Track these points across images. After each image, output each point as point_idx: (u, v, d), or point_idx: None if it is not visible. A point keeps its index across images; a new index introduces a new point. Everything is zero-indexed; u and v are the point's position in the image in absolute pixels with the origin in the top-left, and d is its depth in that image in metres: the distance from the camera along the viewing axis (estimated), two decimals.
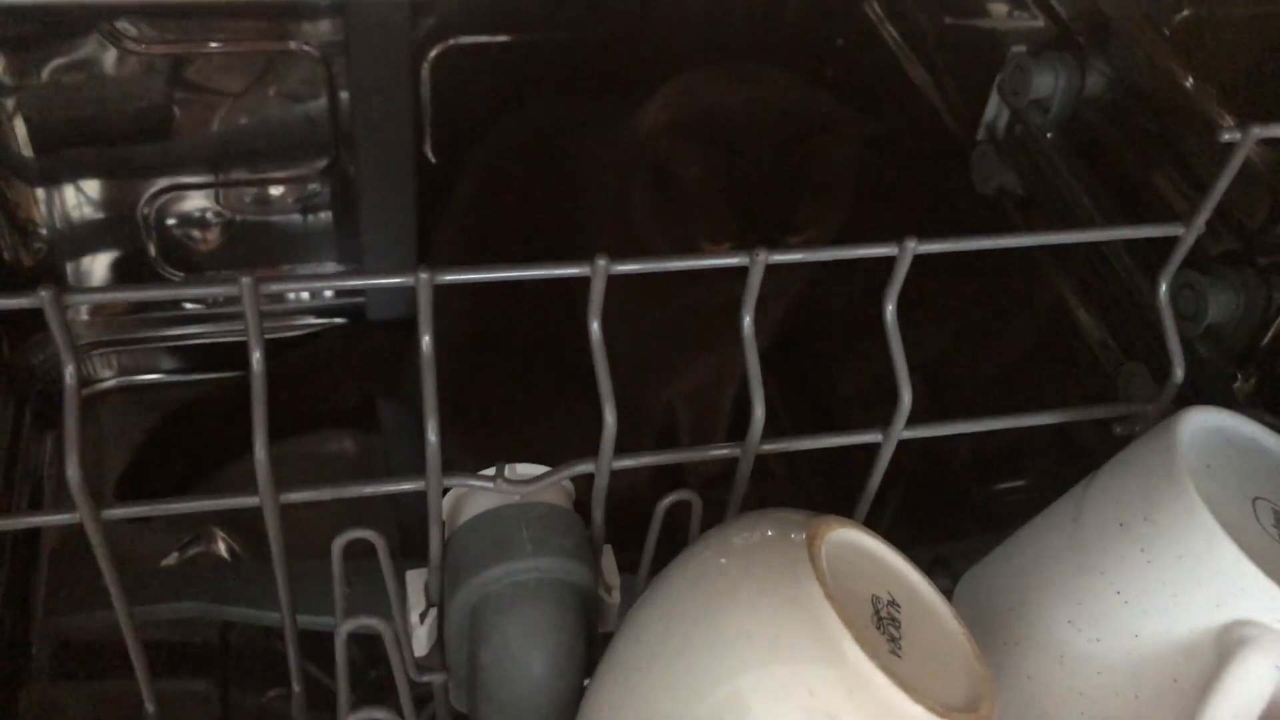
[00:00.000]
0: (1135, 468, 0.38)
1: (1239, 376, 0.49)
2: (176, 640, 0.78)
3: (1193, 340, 0.50)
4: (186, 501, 0.35)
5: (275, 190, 0.89)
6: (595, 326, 0.35)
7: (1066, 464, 0.62)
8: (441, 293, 0.77)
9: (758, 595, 0.33)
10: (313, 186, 0.89)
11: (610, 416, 0.35)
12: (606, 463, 0.36)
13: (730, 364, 0.76)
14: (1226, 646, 0.34)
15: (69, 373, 0.31)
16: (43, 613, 0.76)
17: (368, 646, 0.70)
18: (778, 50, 0.83)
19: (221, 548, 0.84)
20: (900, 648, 0.33)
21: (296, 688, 0.40)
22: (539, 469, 0.37)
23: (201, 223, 0.90)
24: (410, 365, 0.81)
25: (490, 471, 0.36)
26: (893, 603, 0.35)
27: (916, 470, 0.73)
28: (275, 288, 0.33)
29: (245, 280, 0.32)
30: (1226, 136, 0.36)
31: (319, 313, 0.95)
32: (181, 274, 0.90)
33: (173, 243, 0.89)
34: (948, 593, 0.39)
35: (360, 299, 0.93)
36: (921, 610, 0.36)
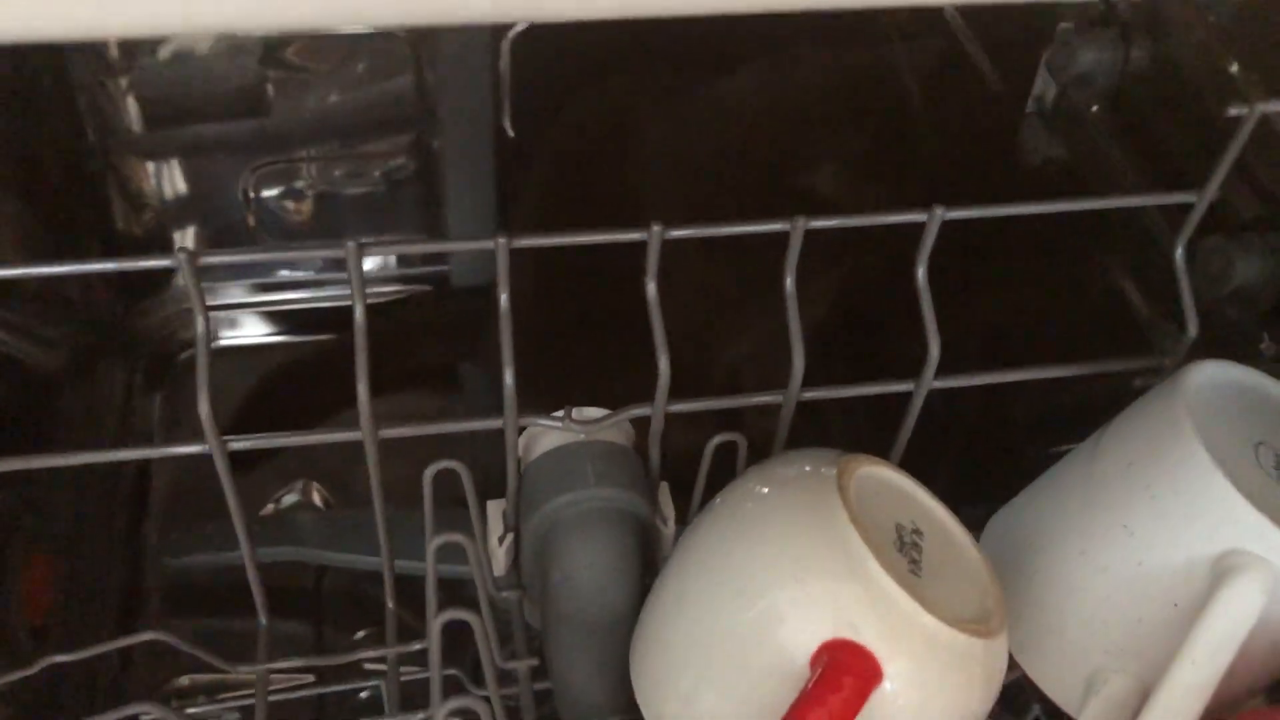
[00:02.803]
0: (1145, 413, 0.41)
1: (1265, 337, 0.52)
2: (274, 585, 0.84)
3: (1221, 302, 0.53)
4: (300, 435, 0.40)
5: (364, 165, 0.95)
6: (652, 287, 0.39)
7: None
8: (520, 262, 0.82)
9: (791, 519, 0.37)
10: (398, 161, 0.95)
11: (664, 365, 0.39)
12: (661, 406, 0.40)
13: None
14: (1220, 573, 0.37)
15: (200, 322, 0.37)
16: (154, 555, 0.83)
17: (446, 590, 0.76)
18: (843, 22, 0.86)
19: (316, 499, 0.90)
20: (920, 569, 0.37)
21: (390, 603, 0.45)
22: (602, 411, 0.42)
23: (295, 195, 0.95)
24: (489, 329, 0.87)
25: (559, 413, 0.41)
26: (916, 531, 0.39)
27: (973, 433, 0.76)
28: (374, 250, 0.38)
29: (350, 245, 0.37)
30: (1233, 111, 0.39)
31: (406, 280, 1.01)
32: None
33: (270, 214, 0.95)
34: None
35: (445, 267, 0.98)
36: (943, 539, 0.40)
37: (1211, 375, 0.41)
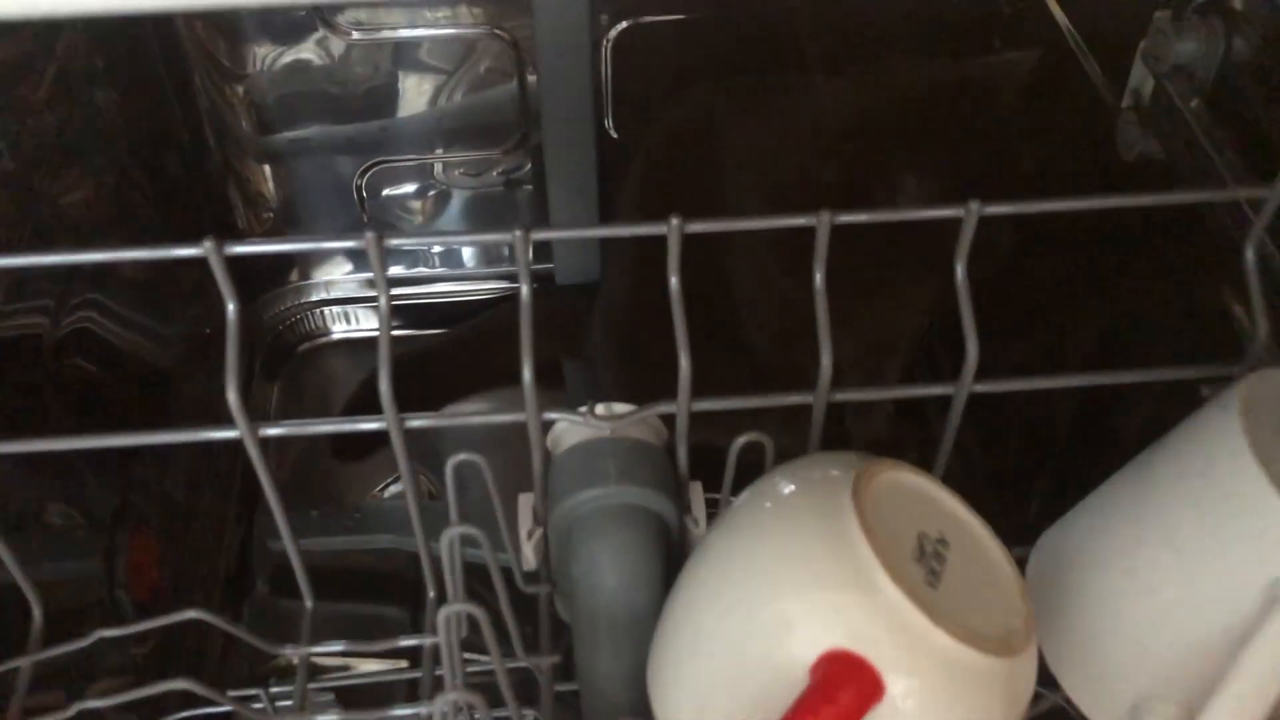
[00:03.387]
0: (1199, 425, 0.38)
1: None
2: (375, 570, 0.87)
3: None
4: (327, 421, 0.41)
5: (477, 165, 0.97)
6: (674, 281, 0.39)
7: None
8: (618, 264, 0.82)
9: (802, 523, 0.36)
10: (511, 161, 0.96)
11: (685, 362, 0.39)
12: (685, 403, 0.40)
13: (890, 337, 0.77)
14: (1271, 600, 0.35)
15: (231, 310, 0.38)
16: (260, 540, 0.87)
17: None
18: (947, 20, 0.84)
19: (422, 488, 0.92)
20: (939, 580, 0.36)
21: (431, 592, 0.46)
22: (628, 408, 0.41)
23: (410, 194, 0.98)
24: (591, 326, 0.88)
25: (583, 409, 0.41)
26: (941, 541, 0.37)
27: (1069, 463, 0.73)
28: (393, 243, 0.38)
29: (369, 235, 0.38)
30: None
31: (513, 278, 1.02)
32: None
33: (384, 212, 0.98)
34: None
35: (549, 265, 0.99)
36: (972, 552, 0.38)
37: (1275, 385, 0.38)
